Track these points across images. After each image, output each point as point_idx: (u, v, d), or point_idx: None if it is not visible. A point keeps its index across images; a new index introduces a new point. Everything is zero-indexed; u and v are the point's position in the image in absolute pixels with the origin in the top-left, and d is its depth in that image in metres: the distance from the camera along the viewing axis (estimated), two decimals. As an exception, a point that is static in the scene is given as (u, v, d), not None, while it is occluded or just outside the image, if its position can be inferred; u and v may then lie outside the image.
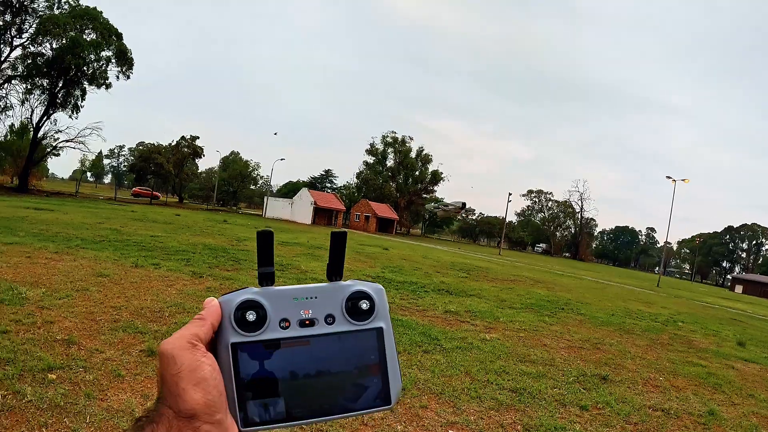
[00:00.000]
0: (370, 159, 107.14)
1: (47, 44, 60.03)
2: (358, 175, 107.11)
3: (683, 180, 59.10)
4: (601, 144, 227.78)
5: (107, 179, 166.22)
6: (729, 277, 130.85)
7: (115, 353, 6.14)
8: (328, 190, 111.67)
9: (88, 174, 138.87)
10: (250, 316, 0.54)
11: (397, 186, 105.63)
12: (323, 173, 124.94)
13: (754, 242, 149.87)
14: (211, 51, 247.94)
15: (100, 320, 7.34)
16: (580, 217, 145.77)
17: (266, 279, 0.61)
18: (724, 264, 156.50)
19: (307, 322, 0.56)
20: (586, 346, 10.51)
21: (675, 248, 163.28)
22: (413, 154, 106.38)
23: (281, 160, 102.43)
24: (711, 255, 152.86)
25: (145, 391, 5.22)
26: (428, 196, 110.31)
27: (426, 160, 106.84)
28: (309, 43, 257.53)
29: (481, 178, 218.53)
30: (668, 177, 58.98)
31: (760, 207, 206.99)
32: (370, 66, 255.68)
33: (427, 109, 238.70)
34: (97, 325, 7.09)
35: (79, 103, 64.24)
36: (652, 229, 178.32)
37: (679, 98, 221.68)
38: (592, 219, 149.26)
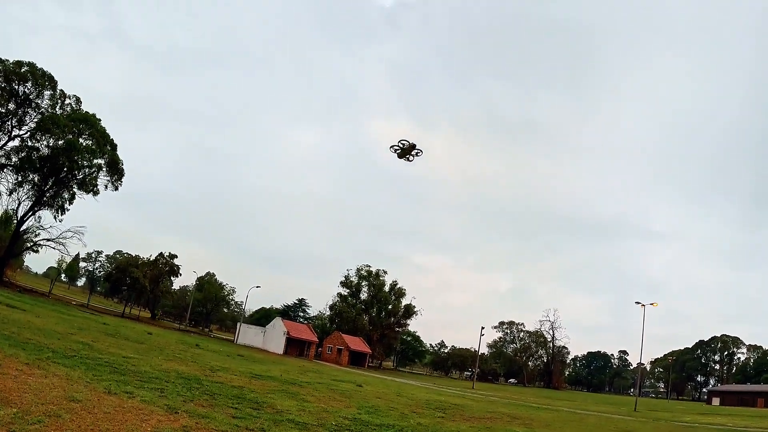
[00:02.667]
0: (344, 291, 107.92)
1: (44, 141, 61.60)
2: (332, 307, 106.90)
3: (651, 304, 60.32)
4: (578, 271, 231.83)
5: (81, 282, 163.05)
6: (705, 390, 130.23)
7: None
8: (301, 320, 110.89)
9: (63, 275, 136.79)
10: None
11: (371, 319, 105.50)
12: (297, 302, 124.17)
13: (726, 353, 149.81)
14: (201, 170, 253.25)
15: (73, 456, 6.97)
16: (552, 346, 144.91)
17: None
18: (698, 378, 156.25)
19: None
20: None
21: (648, 368, 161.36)
22: (387, 288, 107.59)
23: (257, 287, 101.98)
24: (685, 371, 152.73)
25: None
26: (401, 330, 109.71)
27: (399, 293, 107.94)
28: (300, 169, 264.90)
29: (457, 311, 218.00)
30: (637, 303, 60.20)
31: (728, 319, 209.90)
32: (356, 196, 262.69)
33: (409, 242, 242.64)
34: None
35: (66, 205, 64.92)
36: (624, 352, 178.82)
37: (655, 221, 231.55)
38: (564, 347, 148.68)
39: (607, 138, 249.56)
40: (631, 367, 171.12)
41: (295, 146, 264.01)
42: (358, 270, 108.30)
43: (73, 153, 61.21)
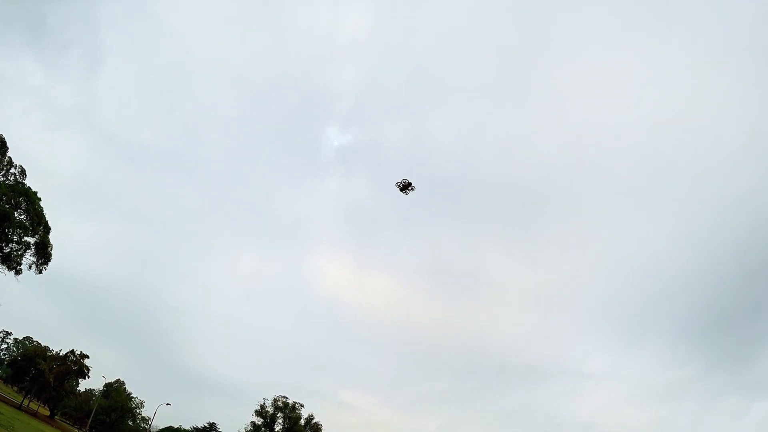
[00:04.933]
0: (258, 420, 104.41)
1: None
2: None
3: None
4: (509, 413, 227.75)
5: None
6: None
7: None
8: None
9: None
10: None
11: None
12: (207, 425, 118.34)
13: None
14: (134, 273, 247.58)
15: None
16: None
17: None
18: None
19: None
20: None
21: None
22: (303, 422, 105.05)
23: (167, 404, 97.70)
24: None
25: None
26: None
27: (316, 429, 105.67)
28: (235, 292, 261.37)
29: None
30: None
31: None
32: (289, 326, 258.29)
33: (338, 378, 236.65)
34: None
35: (-18, 278, 62.77)
36: None
37: (589, 363, 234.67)
38: None
39: (550, 286, 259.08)
40: None
41: (235, 267, 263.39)
42: (275, 400, 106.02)
43: (5, 225, 60.44)
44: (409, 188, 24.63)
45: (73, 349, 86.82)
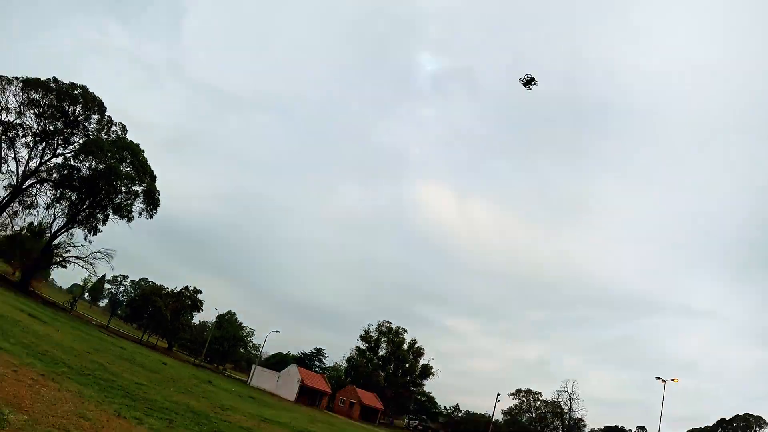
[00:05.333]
0: (363, 345, 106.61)
1: (87, 163, 62.88)
2: (349, 360, 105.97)
3: (672, 380, 58.97)
4: (608, 346, 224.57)
5: (102, 303, 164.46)
6: None
7: None
8: (317, 369, 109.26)
9: (86, 294, 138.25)
10: None
11: (387, 375, 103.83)
12: (314, 351, 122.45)
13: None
14: (238, 211, 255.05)
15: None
16: (568, 417, 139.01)
17: None
18: None
19: None
20: None
21: None
22: (406, 346, 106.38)
23: (276, 332, 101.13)
24: None
25: None
26: (416, 389, 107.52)
27: (418, 353, 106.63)
28: (339, 225, 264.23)
29: (479, 377, 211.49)
30: (658, 378, 59.26)
31: (754, 398, 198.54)
32: (392, 256, 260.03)
33: (440, 305, 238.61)
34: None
35: (99, 226, 65.72)
36: (643, 428, 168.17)
37: (694, 300, 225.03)
38: (580, 419, 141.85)
39: (655, 215, 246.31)
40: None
41: (338, 202, 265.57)
42: (379, 326, 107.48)
43: (113, 178, 62.42)
44: (533, 83, 22.80)
45: (186, 286, 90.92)
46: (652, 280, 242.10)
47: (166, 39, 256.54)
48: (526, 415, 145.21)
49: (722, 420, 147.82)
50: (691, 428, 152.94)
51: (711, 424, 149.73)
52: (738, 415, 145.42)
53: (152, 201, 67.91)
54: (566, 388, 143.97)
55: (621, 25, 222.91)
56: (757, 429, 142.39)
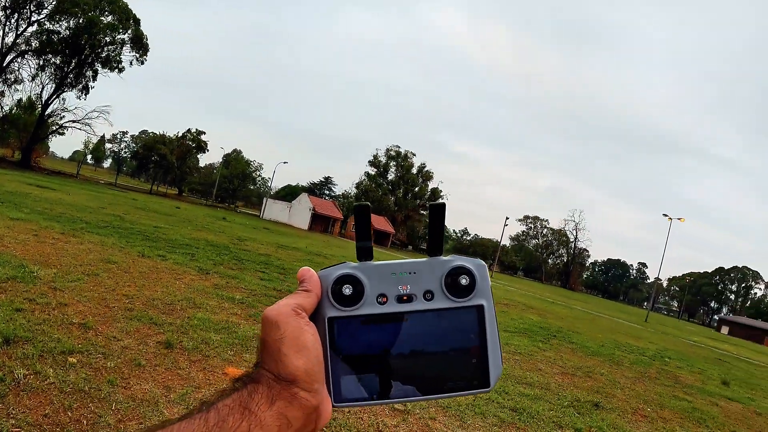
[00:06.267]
0: (372, 170, 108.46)
1: (64, 23, 60.08)
2: (359, 185, 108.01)
3: (679, 219, 59.53)
4: (621, 181, 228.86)
5: (107, 164, 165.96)
6: (716, 317, 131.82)
7: (133, 342, 6.24)
8: (327, 197, 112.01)
9: (88, 157, 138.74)
10: (347, 290, 0.52)
11: (396, 200, 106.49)
12: (323, 180, 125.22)
13: (744, 285, 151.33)
14: (231, 48, 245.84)
15: (113, 307, 7.47)
16: (573, 246, 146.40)
17: (364, 253, 0.56)
18: (712, 304, 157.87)
19: (404, 298, 0.53)
20: (579, 373, 10.68)
21: (665, 284, 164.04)
22: (414, 170, 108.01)
23: (284, 163, 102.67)
24: (700, 294, 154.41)
25: (167, 383, 5.31)
26: (425, 213, 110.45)
27: (427, 177, 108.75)
28: (348, 52, 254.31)
29: (490, 203, 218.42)
30: (665, 215, 59.67)
31: (754, 252, 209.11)
32: (407, 81, 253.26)
33: (455, 131, 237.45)
34: (111, 312, 7.21)
35: (89, 84, 64.42)
36: (644, 264, 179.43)
37: (715, 145, 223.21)
38: (585, 249, 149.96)
39: (693, 47, 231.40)
40: (648, 281, 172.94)
41: (346, 28, 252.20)
42: (387, 150, 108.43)
43: (93, 31, 59.70)
44: None
45: (189, 129, 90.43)
46: (677, 119, 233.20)
47: None
48: (533, 241, 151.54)
49: (720, 269, 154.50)
50: (690, 271, 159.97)
51: (710, 271, 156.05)
52: (736, 266, 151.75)
53: (141, 46, 65.46)
54: (573, 218, 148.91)
55: None
56: (753, 283, 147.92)
